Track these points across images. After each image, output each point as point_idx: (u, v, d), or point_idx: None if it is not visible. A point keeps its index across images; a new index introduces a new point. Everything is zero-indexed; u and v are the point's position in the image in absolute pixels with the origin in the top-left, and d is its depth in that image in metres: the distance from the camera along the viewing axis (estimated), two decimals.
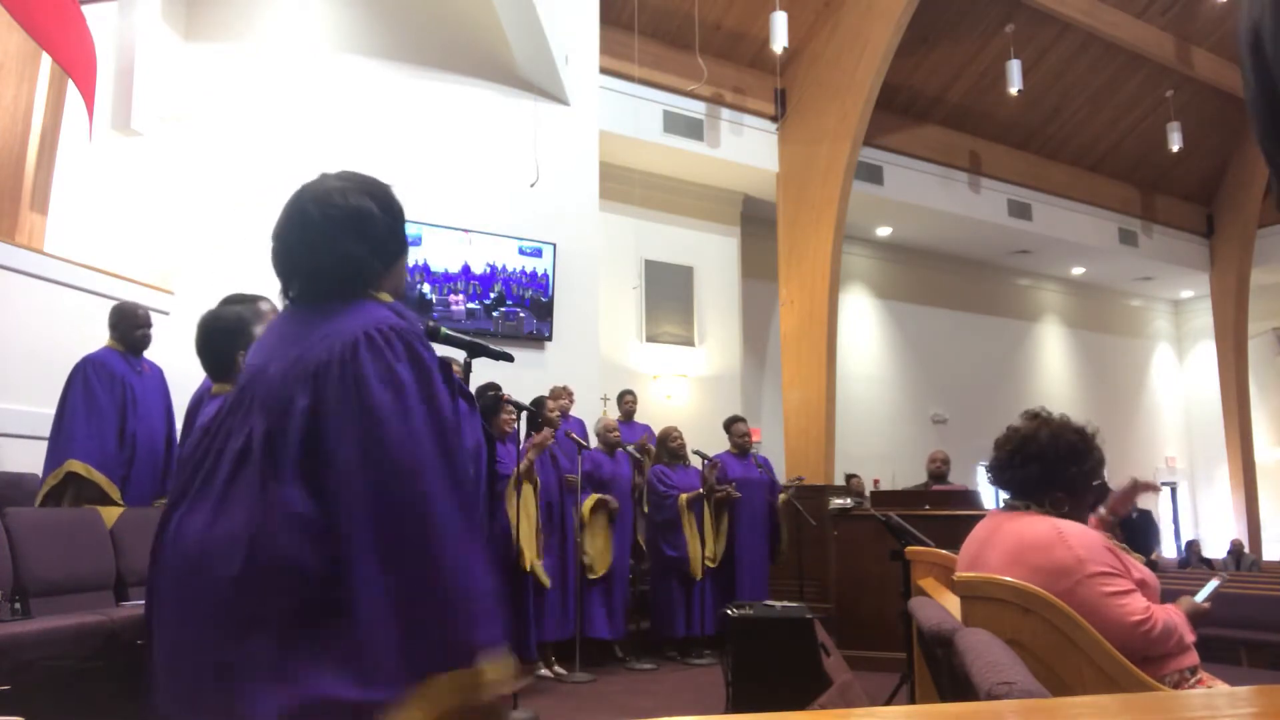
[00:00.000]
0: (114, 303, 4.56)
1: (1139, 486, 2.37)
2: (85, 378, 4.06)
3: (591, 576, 5.47)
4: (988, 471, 2.28)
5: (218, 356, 2.61)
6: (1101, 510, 2.44)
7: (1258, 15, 0.82)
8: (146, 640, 1.57)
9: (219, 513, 1.42)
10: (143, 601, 1.69)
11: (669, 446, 6.10)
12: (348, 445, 1.36)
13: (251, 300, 2.89)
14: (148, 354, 4.38)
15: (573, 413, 6.29)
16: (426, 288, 6.95)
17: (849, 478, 8.78)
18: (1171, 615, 1.97)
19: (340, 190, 1.55)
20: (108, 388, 4.07)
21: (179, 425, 4.23)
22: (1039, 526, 2.05)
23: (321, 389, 1.39)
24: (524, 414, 4.93)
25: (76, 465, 3.95)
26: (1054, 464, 2.12)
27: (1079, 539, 1.99)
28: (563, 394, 6.05)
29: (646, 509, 6.10)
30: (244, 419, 1.46)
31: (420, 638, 1.29)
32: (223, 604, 1.39)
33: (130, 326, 4.25)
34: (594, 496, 5.58)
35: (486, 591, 1.35)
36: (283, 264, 1.57)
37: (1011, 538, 2.08)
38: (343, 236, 1.51)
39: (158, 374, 4.36)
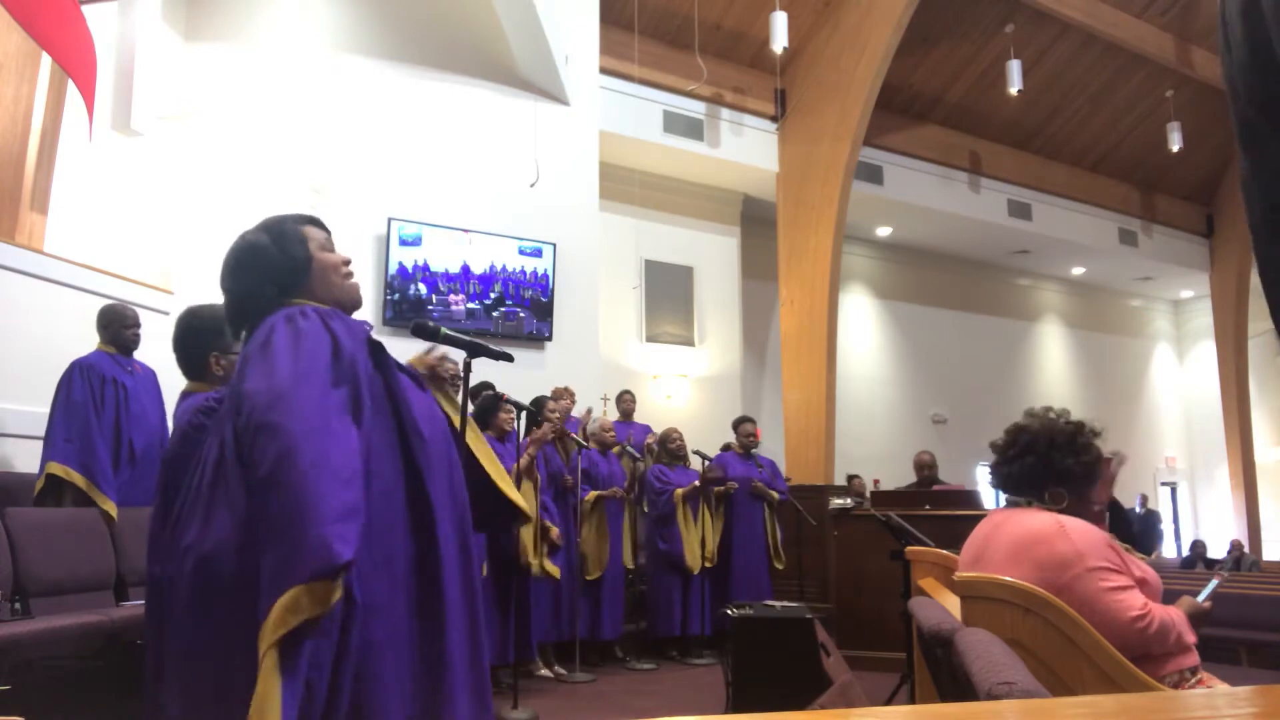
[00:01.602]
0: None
1: (1115, 463, 2.32)
2: (69, 381, 4.05)
3: (588, 577, 5.47)
4: (989, 473, 2.29)
5: (189, 355, 2.59)
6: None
7: None
8: (149, 646, 1.60)
9: (207, 521, 1.55)
10: (143, 602, 1.70)
11: (669, 447, 6.12)
12: (237, 410, 1.54)
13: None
14: (144, 353, 4.38)
15: (573, 413, 6.28)
16: (423, 288, 6.96)
17: (850, 478, 8.78)
18: (1170, 614, 1.97)
19: (243, 234, 1.82)
20: (95, 390, 4.05)
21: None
22: (1041, 520, 2.06)
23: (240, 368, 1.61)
24: (524, 414, 4.93)
25: (55, 468, 3.94)
26: (1048, 453, 2.12)
27: (1080, 533, 1.99)
28: (564, 394, 6.05)
29: (645, 508, 6.11)
30: (216, 433, 1.63)
31: (278, 555, 1.40)
32: (222, 608, 1.48)
33: (120, 327, 4.24)
34: (593, 494, 5.58)
35: (334, 511, 1.43)
36: (224, 307, 1.83)
37: (1013, 533, 2.09)
38: (240, 271, 1.78)
39: (150, 375, 4.35)
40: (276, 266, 1.76)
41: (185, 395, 2.57)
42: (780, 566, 6.14)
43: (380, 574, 1.58)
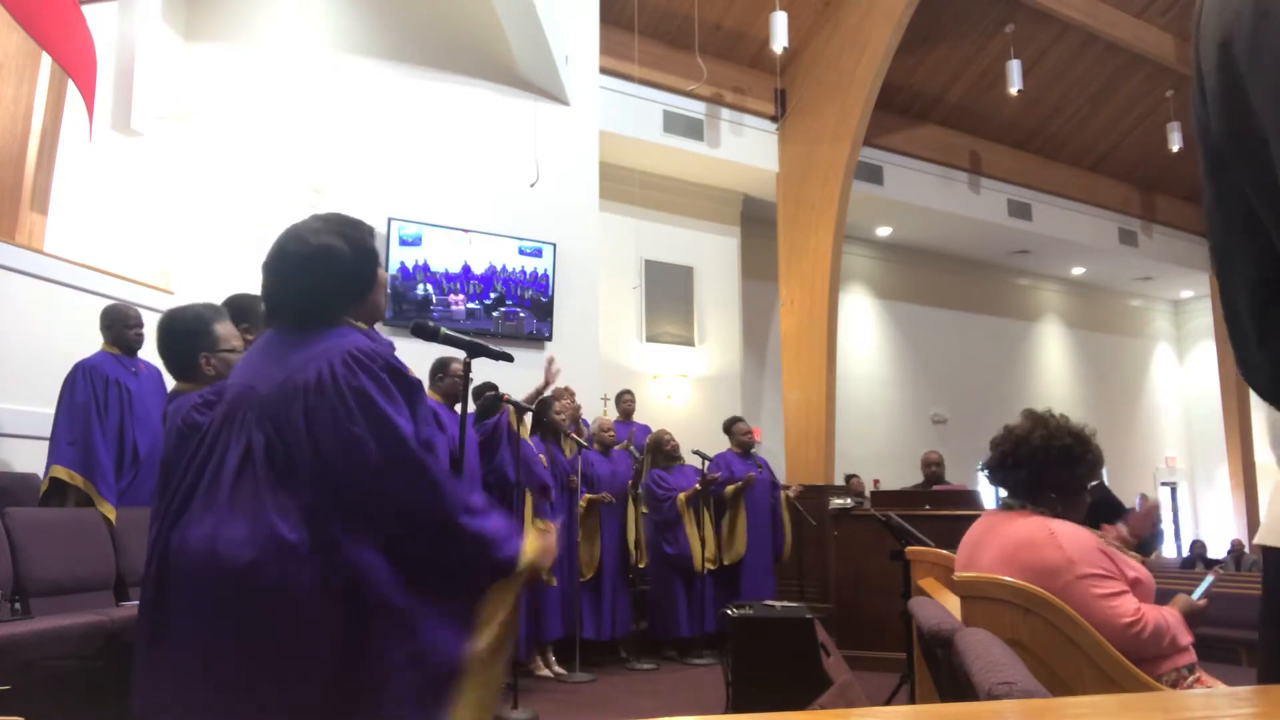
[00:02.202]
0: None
1: (1155, 507, 2.32)
2: (73, 383, 4.05)
3: (582, 579, 5.46)
4: (985, 470, 2.28)
5: (177, 356, 2.59)
6: (1123, 529, 2.42)
7: (1229, 27, 0.73)
8: (147, 645, 1.59)
9: (224, 520, 1.55)
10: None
11: (663, 450, 6.12)
12: (345, 448, 1.57)
13: (251, 299, 2.90)
14: (144, 352, 4.37)
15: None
16: (426, 287, 6.95)
17: (849, 478, 8.77)
18: (1164, 616, 1.96)
19: (313, 230, 1.75)
20: (98, 392, 4.04)
21: None
22: (1031, 527, 2.05)
23: (312, 404, 1.59)
24: (524, 414, 4.93)
25: (59, 471, 3.95)
26: (1043, 468, 2.11)
27: (1070, 540, 1.98)
28: (564, 394, 6.06)
29: (645, 510, 6.11)
30: (239, 433, 1.61)
31: (467, 571, 1.63)
32: (237, 600, 1.50)
33: (122, 327, 4.23)
34: (586, 497, 5.57)
35: (496, 523, 1.66)
36: (265, 294, 1.76)
37: (1004, 538, 2.08)
38: (311, 271, 1.70)
39: (154, 374, 4.35)
40: (351, 280, 1.74)
41: (175, 395, 2.56)
42: (785, 557, 6.14)
43: None
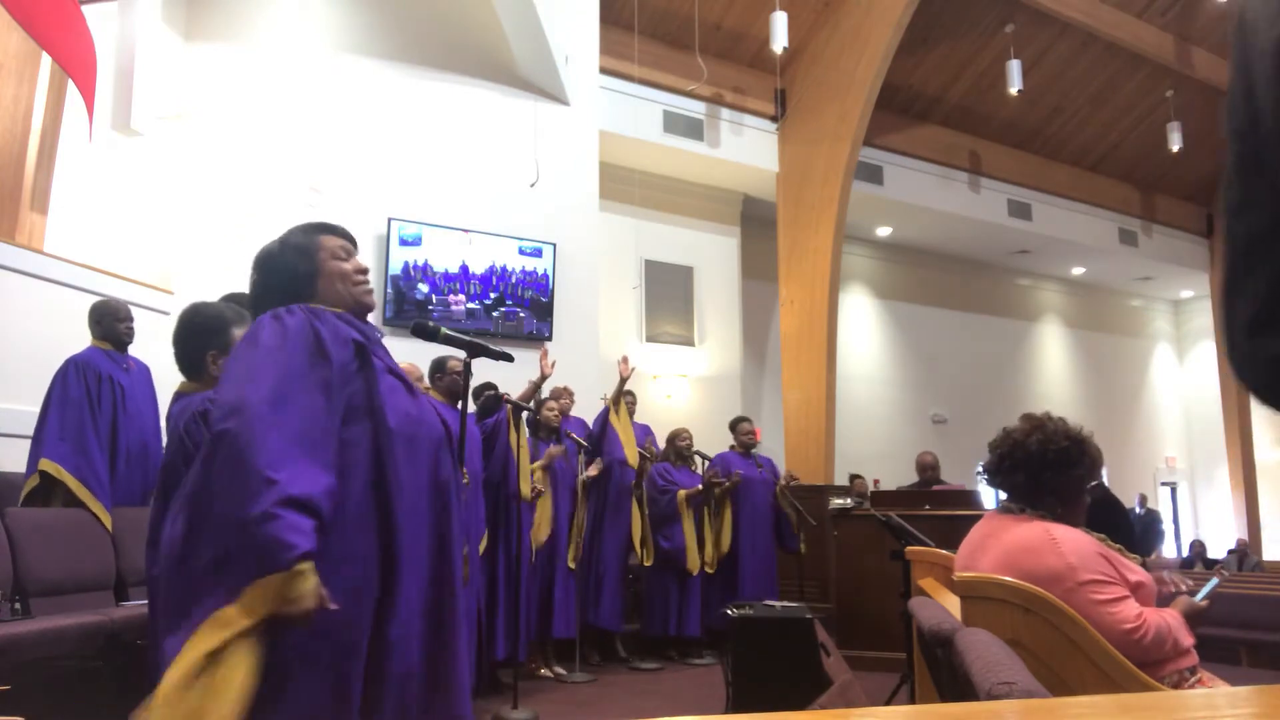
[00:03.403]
0: None
1: (1162, 575, 2.21)
2: (65, 378, 3.99)
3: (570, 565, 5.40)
4: (983, 474, 2.28)
5: (187, 353, 2.55)
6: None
7: None
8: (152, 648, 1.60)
9: (174, 522, 1.59)
10: (144, 602, 1.71)
11: (676, 445, 6.14)
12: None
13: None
14: (144, 353, 4.37)
15: (573, 413, 6.28)
16: (425, 287, 6.95)
17: (853, 478, 8.77)
18: (1166, 620, 1.96)
19: (272, 242, 1.92)
20: (90, 388, 4.00)
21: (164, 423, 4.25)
22: (1031, 532, 2.05)
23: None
24: (524, 415, 4.94)
25: (48, 465, 3.88)
26: (1040, 471, 2.11)
27: (1070, 545, 1.98)
28: (563, 394, 6.06)
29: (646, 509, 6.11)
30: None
31: (230, 555, 1.46)
32: (170, 564, 1.55)
33: (113, 320, 4.18)
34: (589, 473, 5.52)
35: (288, 505, 1.48)
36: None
37: (1004, 543, 2.08)
38: (258, 277, 1.90)
39: (144, 371, 4.31)
40: (285, 274, 1.87)
41: (179, 396, 2.53)
42: (802, 549, 6.12)
43: (341, 570, 1.59)
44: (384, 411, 1.73)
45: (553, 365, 5.11)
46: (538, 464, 5.17)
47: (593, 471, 5.48)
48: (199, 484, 1.54)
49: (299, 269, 1.87)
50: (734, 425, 6.49)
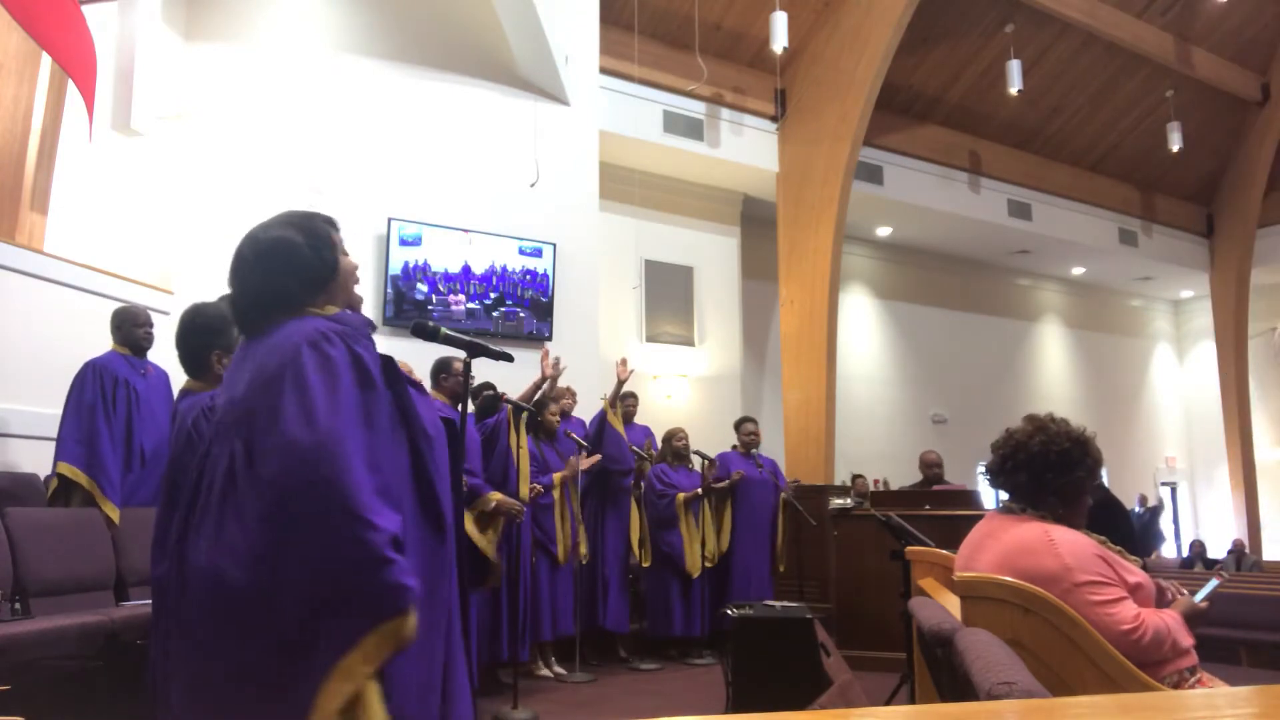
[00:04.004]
0: (115, 303, 4.58)
1: (1172, 594, 2.20)
2: (83, 381, 4.08)
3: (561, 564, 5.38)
4: (986, 474, 2.28)
5: (191, 353, 2.57)
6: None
7: None
8: (158, 656, 1.58)
9: (218, 532, 1.50)
10: (145, 602, 1.70)
11: (673, 446, 6.12)
12: (267, 420, 1.49)
13: None
14: (156, 356, 4.39)
15: (574, 413, 6.28)
16: (425, 287, 6.96)
17: (855, 478, 8.77)
18: (1164, 620, 1.96)
19: (265, 226, 1.72)
20: (106, 391, 4.07)
21: None
22: (1030, 533, 2.05)
23: (267, 395, 1.52)
24: (523, 415, 4.93)
25: (64, 468, 3.97)
26: (1042, 473, 2.11)
27: (1069, 546, 1.98)
28: (564, 394, 6.06)
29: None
30: (224, 444, 1.56)
31: (333, 605, 1.41)
32: (233, 617, 1.45)
33: (131, 326, 4.27)
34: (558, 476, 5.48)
35: (389, 549, 1.44)
36: (230, 301, 1.73)
37: (1003, 543, 2.08)
38: (267, 267, 1.68)
39: (162, 376, 4.37)
40: (308, 267, 1.70)
41: (185, 393, 2.55)
42: (781, 569, 6.14)
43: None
44: (420, 427, 1.70)
45: (554, 365, 5.13)
46: (557, 475, 5.19)
47: (585, 464, 5.47)
48: (271, 542, 1.44)
49: (325, 262, 1.71)
50: (738, 425, 6.50)
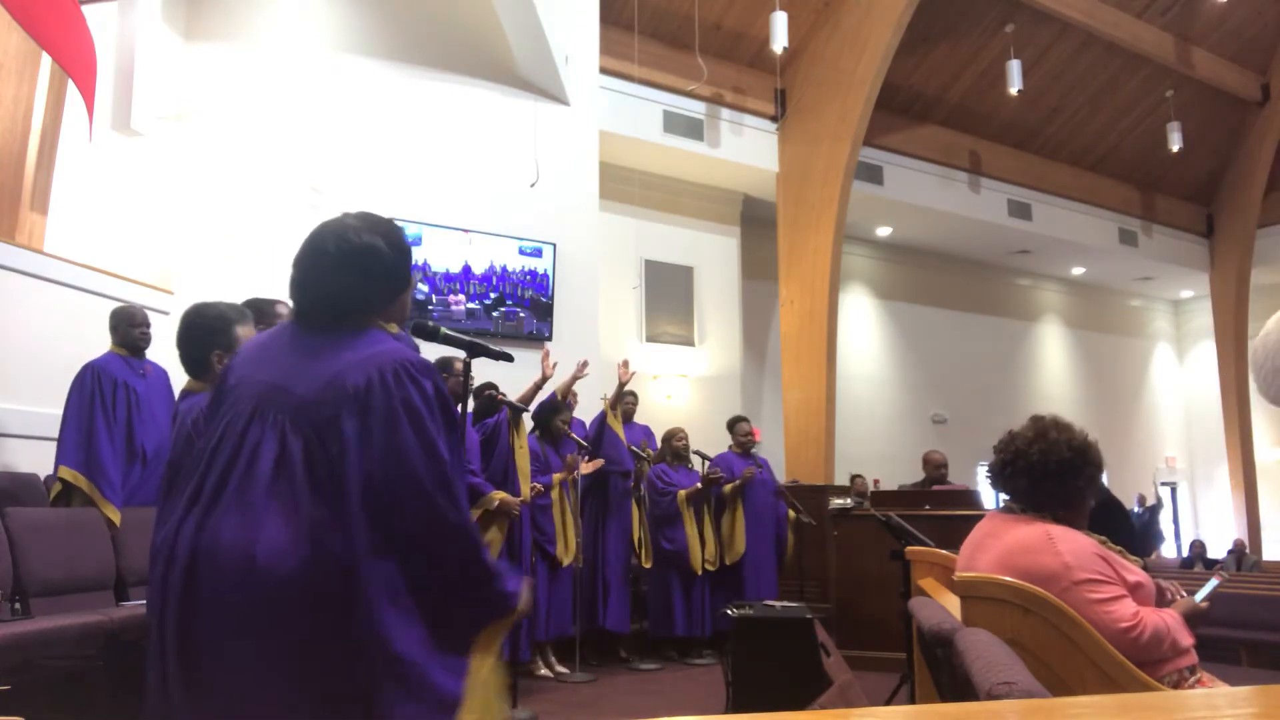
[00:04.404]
0: (114, 303, 4.57)
1: (1172, 594, 2.21)
2: (82, 384, 4.07)
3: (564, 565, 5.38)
4: (987, 475, 2.28)
5: (192, 353, 2.58)
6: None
7: None
8: (158, 644, 1.54)
9: (260, 523, 1.49)
10: (143, 602, 1.68)
11: (673, 445, 6.12)
12: (395, 461, 1.55)
13: (267, 302, 2.92)
14: (155, 355, 4.38)
15: (575, 413, 6.28)
16: (425, 287, 6.95)
17: (854, 478, 8.76)
18: (1164, 619, 1.96)
19: (354, 229, 1.71)
20: (104, 393, 4.06)
21: None
22: (1030, 532, 2.05)
23: (364, 412, 1.55)
24: (523, 416, 4.93)
25: (65, 472, 3.97)
26: (1042, 480, 2.11)
27: (1068, 545, 1.98)
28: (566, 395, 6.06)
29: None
30: (272, 432, 1.55)
31: (469, 608, 1.60)
32: (280, 611, 1.45)
33: (128, 326, 4.25)
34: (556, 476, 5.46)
35: (497, 564, 1.66)
36: (298, 290, 1.71)
37: (1004, 542, 2.09)
38: (351, 270, 1.66)
39: (161, 375, 4.36)
40: (392, 279, 1.72)
41: (186, 394, 2.56)
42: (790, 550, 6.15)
43: None
44: (465, 446, 1.84)
45: (582, 367, 5.16)
46: (556, 475, 5.19)
47: (587, 469, 5.47)
48: (419, 573, 1.56)
49: (404, 280, 1.76)
50: (732, 425, 6.44)
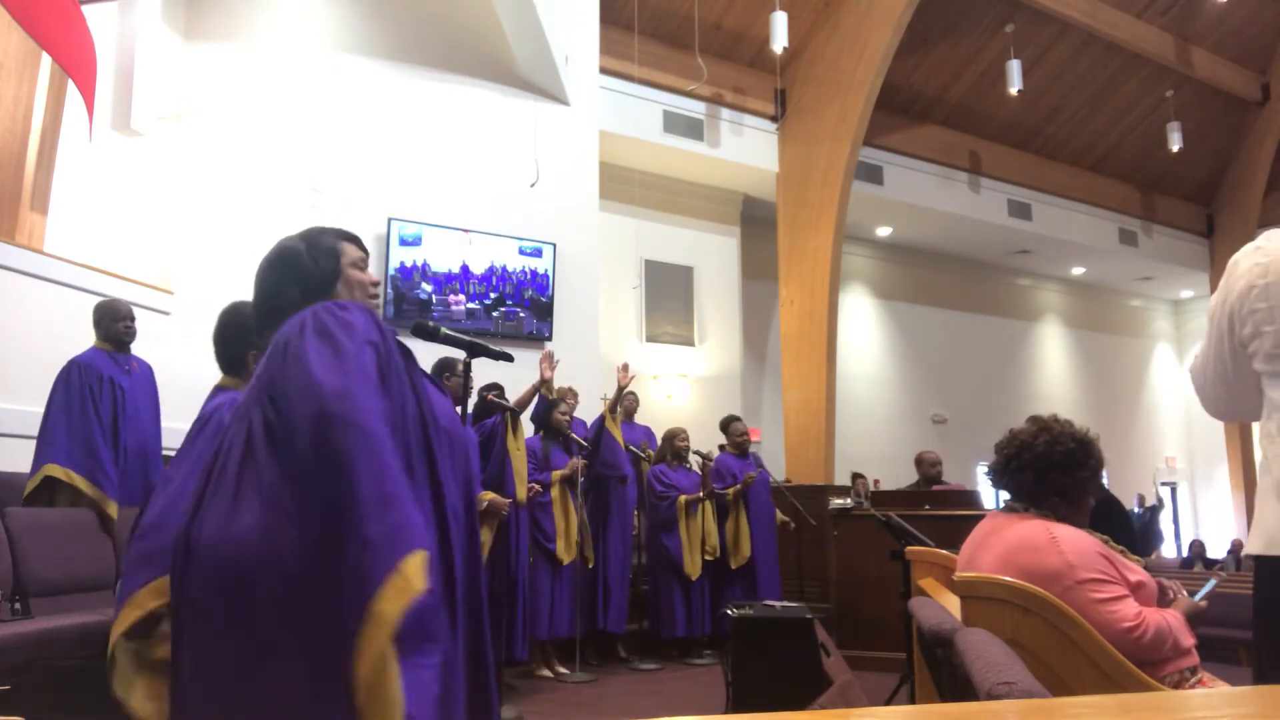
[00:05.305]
0: None
1: (1174, 592, 2.21)
2: (68, 380, 3.98)
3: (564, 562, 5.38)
4: (988, 474, 2.28)
5: (229, 350, 2.58)
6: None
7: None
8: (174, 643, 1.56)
9: (234, 510, 1.51)
10: None
11: (674, 445, 6.09)
12: (283, 396, 1.55)
13: None
14: (145, 353, 4.36)
15: (574, 414, 6.28)
16: (429, 287, 6.95)
17: (855, 477, 8.75)
18: (1166, 619, 1.96)
19: (278, 242, 1.86)
20: (93, 389, 3.98)
21: (167, 423, 4.25)
22: (1032, 530, 2.05)
23: (284, 357, 1.60)
24: (520, 417, 4.93)
25: (55, 470, 3.87)
26: (1046, 472, 2.12)
27: (1071, 544, 1.98)
28: (567, 394, 6.06)
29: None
30: (241, 422, 1.61)
31: (354, 561, 1.41)
32: (248, 596, 1.46)
33: (111, 321, 4.15)
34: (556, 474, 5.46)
35: (402, 502, 1.49)
36: (254, 314, 1.86)
37: (1005, 541, 2.09)
38: (272, 272, 1.82)
39: (147, 371, 4.28)
40: (306, 272, 1.82)
41: (219, 389, 2.54)
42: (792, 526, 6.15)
43: None
44: (434, 409, 1.75)
45: (557, 364, 5.14)
46: (556, 474, 5.19)
47: (579, 464, 5.46)
48: (291, 495, 1.49)
49: (322, 268, 1.83)
50: (726, 426, 6.37)
